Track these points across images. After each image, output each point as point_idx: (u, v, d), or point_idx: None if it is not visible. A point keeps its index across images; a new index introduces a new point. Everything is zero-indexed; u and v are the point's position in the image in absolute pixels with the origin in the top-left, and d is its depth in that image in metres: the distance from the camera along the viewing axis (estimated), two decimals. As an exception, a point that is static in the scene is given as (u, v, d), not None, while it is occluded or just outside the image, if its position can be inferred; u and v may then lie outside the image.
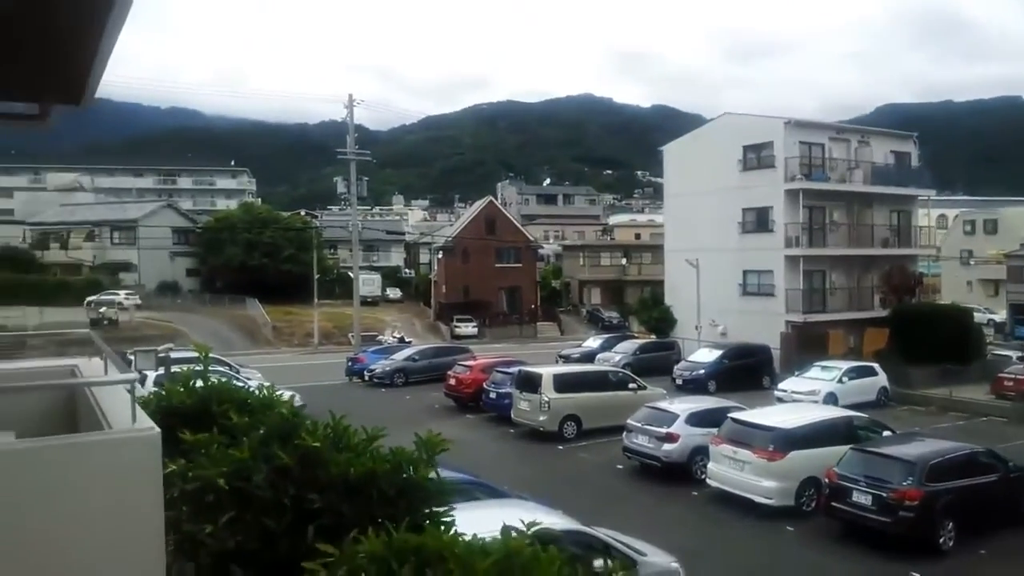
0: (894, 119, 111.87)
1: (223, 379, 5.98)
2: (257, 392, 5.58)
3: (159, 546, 3.08)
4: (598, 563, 8.19)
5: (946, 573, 12.84)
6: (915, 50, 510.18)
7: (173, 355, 16.35)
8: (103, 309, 46.24)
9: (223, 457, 3.86)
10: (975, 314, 43.09)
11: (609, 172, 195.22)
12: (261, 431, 3.95)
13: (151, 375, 20.28)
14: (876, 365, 30.42)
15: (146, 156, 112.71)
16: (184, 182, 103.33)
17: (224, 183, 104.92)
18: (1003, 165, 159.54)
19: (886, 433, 17.29)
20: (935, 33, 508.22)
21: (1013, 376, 31.22)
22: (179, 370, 6.95)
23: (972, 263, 66.89)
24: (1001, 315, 57.59)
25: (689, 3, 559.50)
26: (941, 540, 13.35)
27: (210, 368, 5.90)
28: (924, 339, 33.56)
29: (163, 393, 5.48)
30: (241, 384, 6.06)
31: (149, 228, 61.11)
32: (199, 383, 5.55)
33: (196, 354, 5.95)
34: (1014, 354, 39.87)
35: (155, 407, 5.17)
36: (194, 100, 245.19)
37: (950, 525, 13.45)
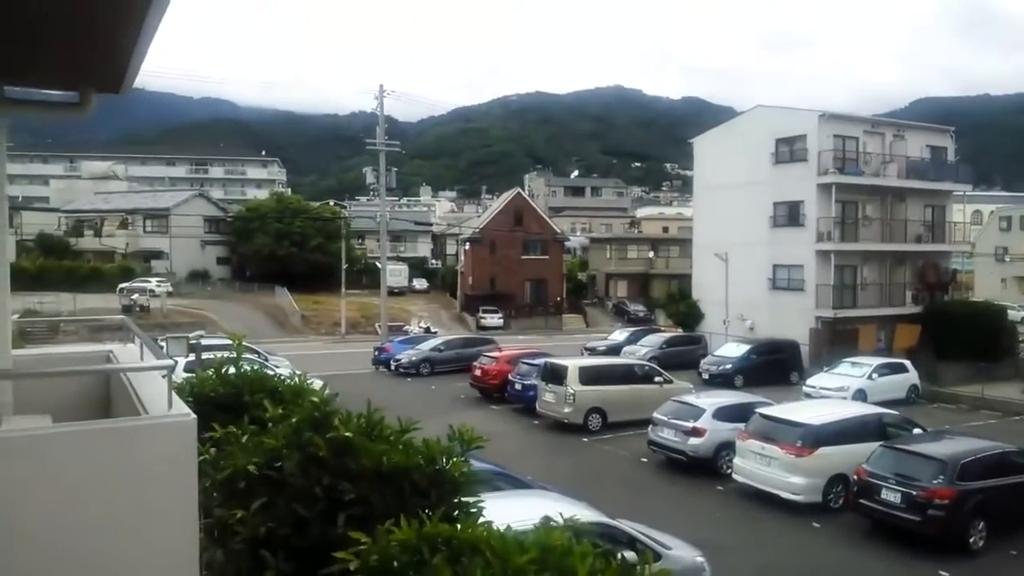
0: (930, 113, 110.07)
1: (255, 367, 6.02)
2: (288, 380, 5.62)
3: (193, 531, 3.12)
4: (627, 554, 8.21)
5: (976, 573, 12.66)
6: (952, 43, 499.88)
7: (204, 342, 16.63)
8: (135, 296, 46.99)
9: (255, 445, 3.90)
10: (1009, 312, 42.30)
11: (638, 165, 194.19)
12: (293, 420, 3.98)
13: (181, 361, 20.65)
14: (907, 362, 30.01)
15: (179, 146, 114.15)
16: (216, 172, 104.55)
17: (255, 173, 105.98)
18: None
19: (916, 431, 17.06)
20: (973, 25, 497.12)
21: (1048, 375, 30.67)
22: (211, 357, 7.03)
23: (1007, 260, 65.66)
24: (1036, 313, 56.45)
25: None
26: (971, 540, 13.17)
27: (242, 356, 5.95)
28: (956, 336, 33.08)
29: (195, 381, 5.54)
30: (271, 372, 6.11)
31: (181, 217, 61.94)
32: (231, 371, 5.60)
33: (227, 341, 6.02)
34: (1050, 353, 39.11)
35: (188, 395, 5.24)
36: (226, 91, 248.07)
37: (981, 525, 13.27)
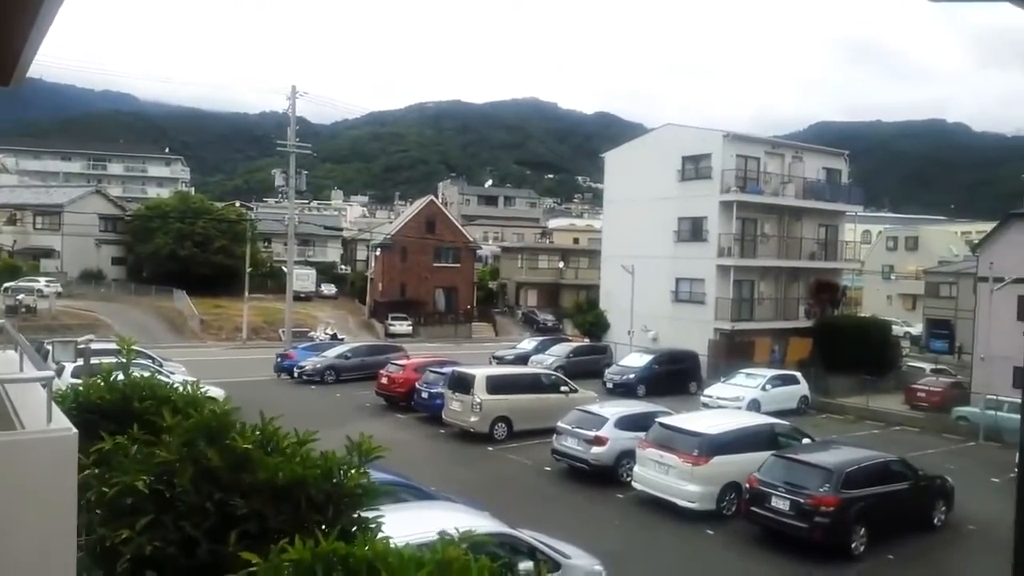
0: (826, 137, 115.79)
1: (146, 374, 5.80)
2: (181, 389, 5.42)
3: (69, 554, 2.97)
4: (524, 566, 8.28)
5: (856, 577, 13.36)
6: (848, 72, 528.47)
7: (94, 346, 15.80)
8: (21, 296, 44.31)
9: (146, 458, 3.75)
10: (893, 327, 44.94)
11: (551, 176, 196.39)
12: (186, 430, 3.85)
13: (69, 366, 19.58)
14: (798, 374, 31.44)
15: (76, 139, 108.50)
16: (115, 168, 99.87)
17: (157, 171, 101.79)
18: (927, 185, 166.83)
19: (806, 440, 17.85)
20: (865, 56, 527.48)
21: (926, 388, 32.78)
22: (99, 362, 6.72)
23: (893, 278, 69.75)
24: (918, 328, 60.19)
25: (633, 15, 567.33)
26: (853, 545, 13.89)
27: (133, 361, 5.73)
28: (844, 350, 34.91)
29: (81, 388, 5.29)
30: (165, 379, 5.85)
31: (75, 214, 58.81)
32: (120, 377, 5.38)
33: (118, 346, 5.77)
34: (928, 366, 41.84)
35: (73, 402, 5.00)
36: (129, 84, 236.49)
37: (862, 531, 14.01)
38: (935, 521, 15.75)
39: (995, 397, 26.90)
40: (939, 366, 43.35)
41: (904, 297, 69.11)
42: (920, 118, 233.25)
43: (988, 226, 45.38)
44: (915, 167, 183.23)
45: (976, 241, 45.01)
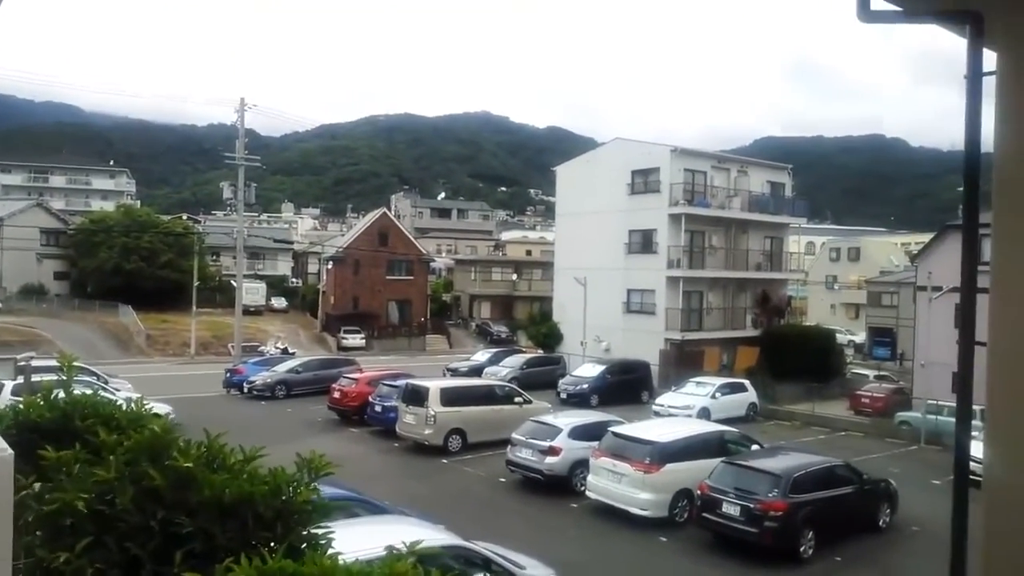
0: (771, 151, 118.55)
1: (89, 391, 5.66)
2: (125, 406, 5.30)
3: None
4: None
5: (805, 580, 13.61)
6: (790, 89, 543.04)
7: (35, 363, 15.35)
8: (-45, 312, 42.73)
9: (85, 477, 3.66)
10: (837, 335, 46.06)
11: (503, 189, 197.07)
12: (127, 449, 3.76)
13: (8, 384, 18.96)
14: (747, 382, 32.01)
15: (16, 151, 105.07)
16: (57, 181, 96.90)
17: (101, 183, 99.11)
18: (868, 198, 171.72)
19: (755, 447, 18.19)
20: (807, 74, 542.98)
21: (869, 394, 33.64)
22: (40, 380, 6.53)
23: (836, 288, 71.55)
24: (861, 336, 61.75)
25: (582, 32, 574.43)
26: (802, 549, 14.15)
27: (76, 379, 5.59)
28: (791, 358, 35.68)
29: (20, 406, 5.14)
30: (110, 396, 5.71)
31: (15, 228, 57.02)
32: (61, 395, 5.24)
33: (59, 363, 5.62)
34: (871, 373, 42.94)
35: (11, 421, 4.85)
36: (72, 95, 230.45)
37: (810, 534, 14.28)
38: (880, 523, 16.14)
39: (935, 402, 27.76)
40: (882, 373, 44.51)
41: (847, 306, 70.89)
42: (860, 133, 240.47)
43: (926, 237, 46.93)
44: (856, 181, 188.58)
45: (915, 252, 46.47)
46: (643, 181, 39.44)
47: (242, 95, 41.29)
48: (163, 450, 3.75)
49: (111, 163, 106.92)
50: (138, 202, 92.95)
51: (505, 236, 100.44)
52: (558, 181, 46.23)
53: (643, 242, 39.09)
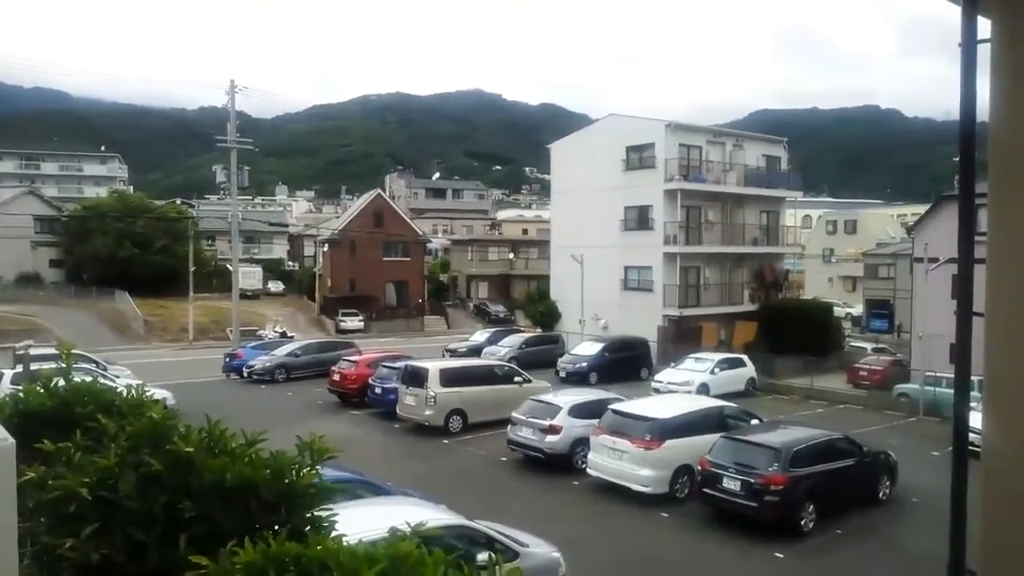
0: (766, 124, 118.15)
1: (88, 378, 5.66)
2: (125, 393, 5.31)
3: (11, 565, 2.90)
4: (481, 556, 8.33)
5: (806, 552, 13.74)
6: (784, 61, 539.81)
7: (33, 352, 15.34)
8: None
9: (87, 464, 3.67)
10: (835, 308, 46.19)
11: (498, 168, 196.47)
12: (128, 436, 3.77)
13: (8, 373, 18.97)
14: (745, 357, 32.11)
15: (6, 138, 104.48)
16: (49, 167, 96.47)
17: (93, 169, 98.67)
18: (863, 169, 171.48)
19: (754, 421, 18.29)
20: (801, 46, 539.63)
21: (867, 367, 33.79)
22: (39, 368, 6.54)
23: (833, 261, 71.64)
24: (858, 309, 61.97)
25: (573, 6, 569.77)
26: (803, 522, 14.26)
27: (74, 366, 5.59)
28: (788, 332, 35.79)
29: (21, 395, 5.14)
30: (109, 383, 5.71)
31: (7, 216, 56.80)
32: (61, 383, 5.24)
33: (58, 351, 5.63)
34: (869, 346, 43.13)
35: (12, 410, 4.86)
36: (62, 81, 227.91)
37: (811, 507, 14.39)
38: (880, 495, 16.26)
39: (933, 374, 27.87)
40: (880, 345, 44.69)
41: (844, 279, 71.03)
42: (855, 105, 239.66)
43: (922, 208, 46.89)
44: (851, 152, 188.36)
45: (911, 223, 46.47)
46: (638, 157, 39.30)
47: (232, 77, 41.17)
48: (164, 436, 3.76)
49: (102, 149, 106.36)
50: (131, 188, 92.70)
51: (501, 215, 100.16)
52: (553, 158, 46.05)
53: (639, 218, 39.02)
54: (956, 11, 2.63)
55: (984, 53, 2.63)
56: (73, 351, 5.79)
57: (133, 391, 5.36)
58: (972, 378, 2.70)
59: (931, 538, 13.84)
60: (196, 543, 3.27)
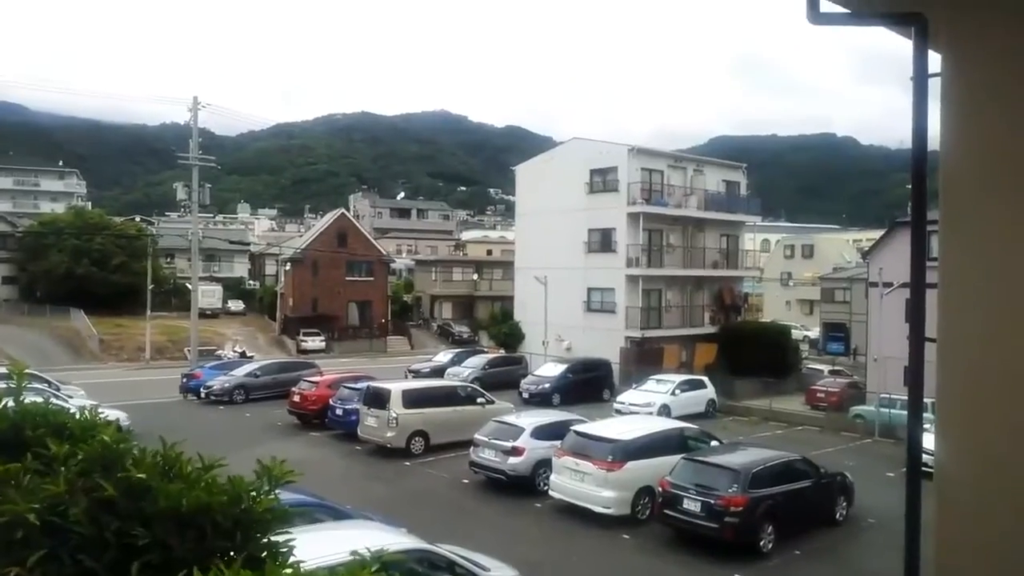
0: (725, 150, 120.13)
1: (40, 399, 5.51)
2: (78, 415, 5.17)
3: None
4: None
5: (766, 573, 13.83)
6: (744, 88, 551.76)
7: (-20, 372, 14.88)
8: None
9: (36, 489, 3.56)
10: (792, 331, 46.91)
11: (463, 189, 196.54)
12: (78, 461, 3.66)
13: (-47, 394, 18.35)
14: (705, 378, 32.42)
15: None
16: (3, 182, 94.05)
17: (50, 184, 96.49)
18: (820, 195, 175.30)
19: (714, 443, 18.41)
20: (760, 73, 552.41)
21: (825, 388, 34.33)
22: (-13, 390, 6.32)
23: (791, 284, 72.88)
24: (815, 332, 63.00)
25: (537, 31, 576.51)
26: (762, 543, 14.37)
27: (26, 387, 5.44)
28: (747, 354, 36.28)
29: (-33, 418, 4.98)
30: (62, 404, 5.55)
31: (-44, 231, 55.34)
32: (11, 404, 5.09)
33: (9, 371, 5.47)
34: (825, 368, 43.87)
35: (-43, 433, 4.70)
36: (18, 94, 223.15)
37: (770, 529, 14.51)
38: (837, 516, 16.45)
39: (888, 396, 28.39)
40: (836, 367, 45.48)
41: (802, 302, 72.23)
42: (812, 132, 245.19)
43: (876, 234, 48.01)
44: (808, 179, 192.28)
45: (866, 248, 47.54)
46: (601, 180, 39.71)
47: (195, 94, 40.86)
48: (117, 460, 3.66)
49: (60, 164, 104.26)
50: (89, 204, 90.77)
51: (465, 236, 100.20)
52: (518, 180, 46.32)
53: (602, 241, 39.36)
54: (910, 45, 2.73)
55: (936, 86, 2.73)
56: (25, 371, 5.65)
57: (86, 413, 5.21)
58: (925, 400, 2.76)
59: (887, 558, 14.05)
60: (149, 570, 3.18)
